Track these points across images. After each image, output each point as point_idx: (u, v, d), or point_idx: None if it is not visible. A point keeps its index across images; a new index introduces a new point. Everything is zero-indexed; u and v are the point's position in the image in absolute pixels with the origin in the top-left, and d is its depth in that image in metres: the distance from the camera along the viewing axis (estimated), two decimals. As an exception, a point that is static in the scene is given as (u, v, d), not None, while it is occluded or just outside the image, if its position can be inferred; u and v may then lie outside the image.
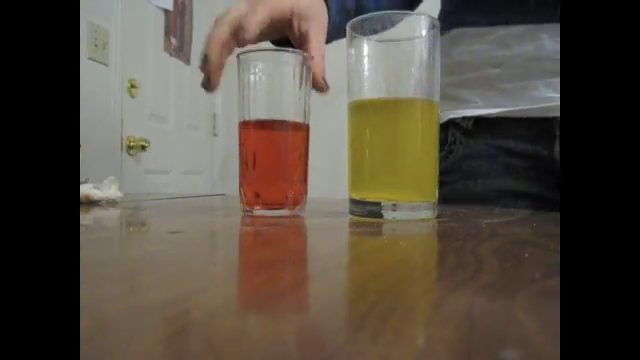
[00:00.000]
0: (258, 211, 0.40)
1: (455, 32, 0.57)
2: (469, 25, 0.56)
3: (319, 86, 0.43)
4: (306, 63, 0.42)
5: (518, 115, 0.53)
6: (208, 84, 0.43)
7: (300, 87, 0.41)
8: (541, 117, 0.52)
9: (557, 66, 0.50)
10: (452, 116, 0.59)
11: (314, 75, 0.42)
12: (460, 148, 0.59)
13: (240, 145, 0.42)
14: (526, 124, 0.53)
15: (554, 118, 0.52)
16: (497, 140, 0.56)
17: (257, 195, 0.40)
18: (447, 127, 0.59)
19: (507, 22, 0.53)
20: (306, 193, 0.42)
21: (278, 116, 0.41)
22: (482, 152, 0.57)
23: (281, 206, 0.40)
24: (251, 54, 0.41)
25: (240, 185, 0.42)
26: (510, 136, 0.55)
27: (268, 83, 0.42)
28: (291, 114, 0.41)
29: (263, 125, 0.42)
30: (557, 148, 0.52)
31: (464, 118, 0.58)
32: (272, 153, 0.41)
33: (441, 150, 0.56)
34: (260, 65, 0.41)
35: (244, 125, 0.41)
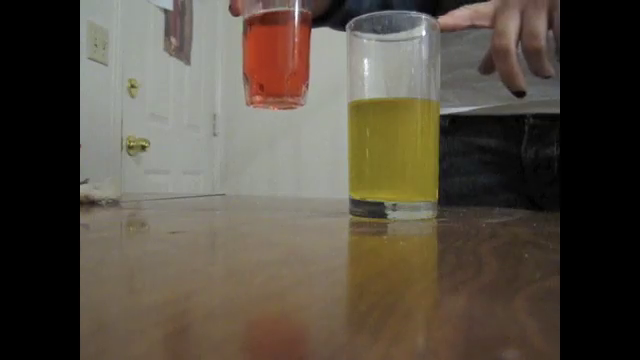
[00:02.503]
0: (261, 100, 0.41)
1: None
2: None
3: None
4: None
5: (491, 113, 0.56)
6: (232, 8, 0.43)
7: None
8: (512, 114, 0.54)
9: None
10: None
11: None
12: (439, 147, 0.60)
13: (244, 40, 0.42)
14: (498, 121, 0.56)
15: (524, 115, 0.54)
16: (471, 137, 0.58)
17: (261, 87, 0.41)
18: None
19: None
20: (307, 81, 0.42)
21: (276, 6, 0.41)
22: (459, 150, 0.59)
23: (282, 94, 0.41)
24: None
25: (244, 77, 0.42)
26: (483, 133, 0.57)
27: None
28: (287, 4, 0.41)
29: (260, 18, 0.41)
30: (525, 144, 0.54)
31: (441, 117, 0.59)
32: (271, 43, 0.41)
33: None
34: None
35: (247, 20, 0.42)
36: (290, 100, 0.41)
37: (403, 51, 0.38)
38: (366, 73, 0.38)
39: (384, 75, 0.39)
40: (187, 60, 1.83)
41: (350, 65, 0.39)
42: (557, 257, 0.21)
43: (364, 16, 0.38)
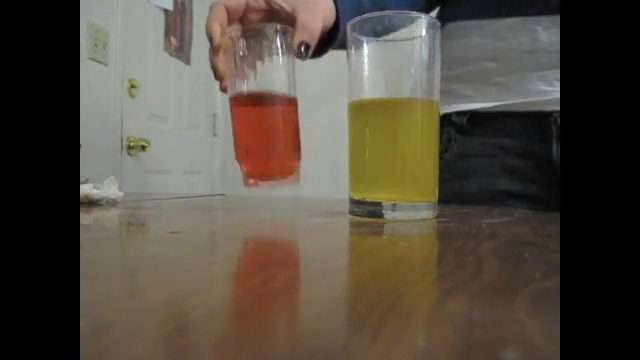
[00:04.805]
0: (259, 184, 0.42)
1: (450, 26, 0.56)
2: (464, 18, 0.55)
3: (296, 54, 0.41)
4: (281, 35, 0.41)
5: (513, 109, 0.53)
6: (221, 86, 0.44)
7: (278, 59, 0.41)
8: (537, 111, 0.51)
9: (552, 58, 0.50)
10: (447, 111, 0.58)
11: (292, 42, 0.41)
12: (454, 146, 0.58)
13: (232, 120, 0.43)
14: (522, 119, 0.53)
15: (550, 113, 0.51)
16: (492, 138, 0.55)
17: (253, 171, 0.42)
18: (441, 124, 0.59)
19: (502, 14, 0.52)
20: (298, 160, 0.43)
21: (262, 89, 0.42)
22: (477, 151, 0.56)
23: (274, 177, 0.42)
24: (229, 30, 0.42)
25: (237, 160, 0.43)
26: (506, 133, 0.54)
27: (249, 58, 0.42)
28: (273, 87, 0.42)
29: (245, 100, 0.42)
30: (555, 146, 0.51)
31: (459, 114, 0.57)
32: (257, 127, 0.42)
33: None
34: (241, 42, 0.42)
35: (232, 100, 0.42)
36: (284, 180, 0.42)
37: (403, 51, 0.38)
38: (366, 73, 0.38)
39: (384, 75, 0.39)
40: (187, 60, 1.83)
41: (350, 65, 0.39)
42: (557, 257, 0.21)
43: (364, 16, 0.38)
